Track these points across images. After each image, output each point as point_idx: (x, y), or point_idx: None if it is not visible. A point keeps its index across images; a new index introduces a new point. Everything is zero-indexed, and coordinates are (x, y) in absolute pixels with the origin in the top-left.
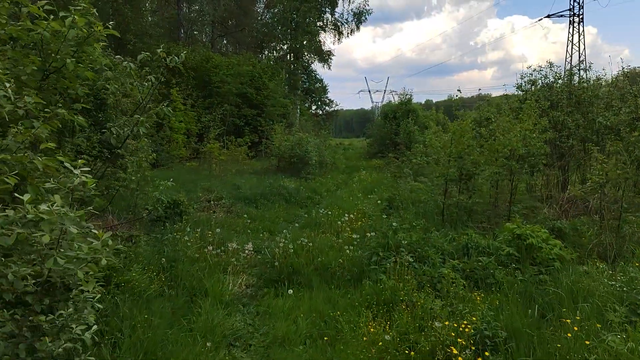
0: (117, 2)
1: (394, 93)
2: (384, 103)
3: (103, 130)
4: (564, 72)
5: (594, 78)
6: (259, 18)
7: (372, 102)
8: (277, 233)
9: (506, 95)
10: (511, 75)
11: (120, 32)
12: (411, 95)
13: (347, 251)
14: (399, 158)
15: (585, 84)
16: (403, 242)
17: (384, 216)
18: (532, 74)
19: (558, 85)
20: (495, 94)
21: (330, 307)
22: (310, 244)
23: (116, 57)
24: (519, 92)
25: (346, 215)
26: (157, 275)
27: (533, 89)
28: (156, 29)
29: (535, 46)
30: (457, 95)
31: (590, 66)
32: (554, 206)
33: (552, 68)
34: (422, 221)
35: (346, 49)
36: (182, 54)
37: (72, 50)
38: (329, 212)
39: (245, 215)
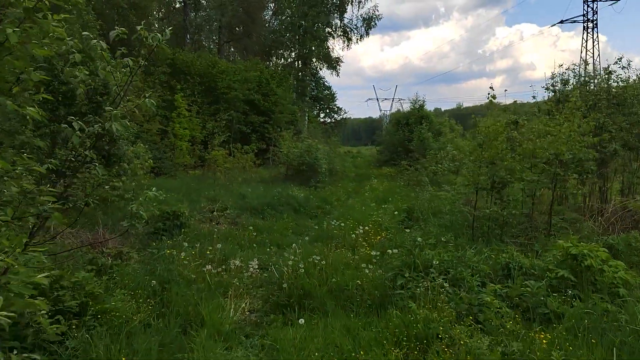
0: (123, 8)
1: (402, 101)
2: (392, 111)
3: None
4: (579, 74)
5: (634, 77)
6: (267, 25)
7: (380, 110)
8: (285, 247)
9: (536, 102)
10: (520, 83)
11: (125, 36)
12: (424, 101)
13: (366, 271)
14: (412, 165)
15: (621, 83)
16: (434, 261)
17: (405, 229)
18: (565, 73)
19: (592, 85)
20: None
21: (350, 341)
22: (324, 262)
23: (84, 33)
24: (549, 93)
25: (360, 227)
26: (145, 300)
27: (566, 88)
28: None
29: (544, 54)
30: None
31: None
32: (599, 219)
33: (587, 67)
34: (449, 235)
35: (354, 57)
36: (166, 31)
37: (17, 19)
38: (342, 224)
39: (251, 228)
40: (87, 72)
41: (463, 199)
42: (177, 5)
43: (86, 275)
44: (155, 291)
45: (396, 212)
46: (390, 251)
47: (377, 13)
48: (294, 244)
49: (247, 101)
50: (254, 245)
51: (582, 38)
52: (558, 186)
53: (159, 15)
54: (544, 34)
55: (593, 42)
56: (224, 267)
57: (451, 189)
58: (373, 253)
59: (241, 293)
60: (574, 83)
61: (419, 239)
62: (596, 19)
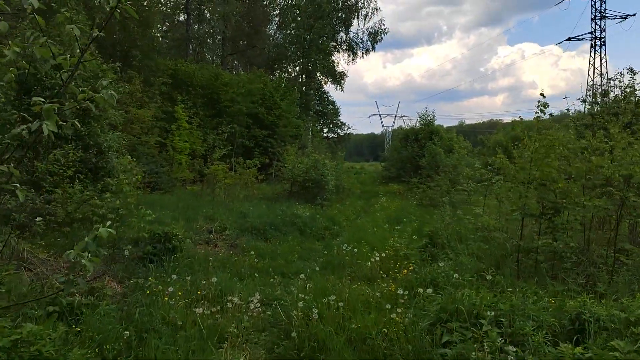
0: (124, 17)
1: (404, 118)
2: (394, 128)
3: None
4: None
5: None
6: (271, 39)
7: (383, 126)
8: (291, 275)
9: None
10: (522, 101)
11: (126, 47)
12: (433, 116)
13: (393, 315)
14: (423, 183)
15: None
16: (488, 312)
17: (429, 258)
18: (606, 84)
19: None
20: (506, 120)
21: None
22: (341, 303)
23: None
24: (583, 105)
25: (376, 254)
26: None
27: (607, 101)
28: (164, 44)
29: (546, 73)
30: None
31: None
32: None
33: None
34: (490, 271)
35: (357, 73)
36: None
37: None
38: (354, 249)
39: (252, 252)
40: (17, 50)
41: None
42: (181, 18)
43: (34, 329)
44: (130, 344)
45: (415, 236)
46: (421, 290)
47: (383, 27)
48: (301, 274)
49: (250, 114)
50: (256, 274)
51: (590, 55)
52: (626, 213)
53: (162, 27)
54: (545, 53)
55: (601, 60)
56: (220, 307)
57: (480, 212)
58: (400, 292)
59: (240, 342)
60: (618, 94)
61: (455, 275)
62: (604, 37)
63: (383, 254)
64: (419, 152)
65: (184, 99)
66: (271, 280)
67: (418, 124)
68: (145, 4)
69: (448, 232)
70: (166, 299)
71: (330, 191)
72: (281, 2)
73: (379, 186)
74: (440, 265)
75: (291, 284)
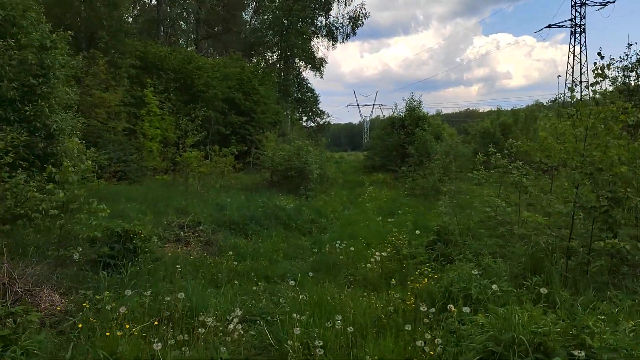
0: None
1: (382, 107)
2: (372, 117)
3: None
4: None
5: None
6: (247, 26)
7: (361, 116)
8: (277, 280)
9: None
10: (496, 91)
11: (92, 28)
12: (420, 102)
13: (420, 344)
14: (413, 172)
15: None
16: (556, 347)
17: (440, 259)
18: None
19: None
20: (482, 109)
21: None
22: (350, 328)
23: None
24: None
25: (376, 253)
26: None
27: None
28: (134, 28)
29: (520, 63)
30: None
31: None
32: None
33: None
34: (536, 278)
35: (335, 63)
36: None
37: None
38: (350, 247)
39: (231, 253)
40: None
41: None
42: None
43: None
44: None
45: (418, 231)
46: (452, 307)
47: (364, 11)
48: (291, 281)
49: (226, 100)
50: (235, 281)
51: (570, 43)
52: None
53: (132, 11)
54: (519, 43)
55: (580, 48)
56: (188, 333)
57: (500, 202)
58: (423, 309)
59: None
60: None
61: (493, 286)
62: (584, 24)
63: (384, 253)
64: (405, 139)
65: (154, 83)
66: (254, 288)
67: (402, 111)
68: None
69: (460, 226)
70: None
71: (315, 181)
72: None
73: (363, 176)
74: (474, 272)
75: (279, 292)
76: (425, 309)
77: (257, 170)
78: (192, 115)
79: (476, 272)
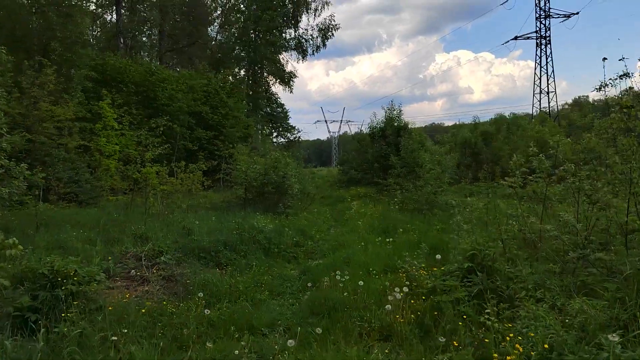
0: (40, 3)
1: (350, 123)
2: (340, 133)
3: None
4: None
5: None
6: (213, 42)
7: (329, 132)
8: (264, 331)
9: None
10: (459, 106)
11: (45, 39)
12: (400, 110)
13: None
14: (400, 184)
15: None
16: None
17: (479, 293)
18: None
19: None
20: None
21: None
22: None
23: None
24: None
25: (394, 288)
26: None
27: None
28: (90, 37)
29: (480, 79)
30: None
31: None
32: None
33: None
34: None
35: (301, 81)
36: None
37: None
38: (356, 280)
39: (201, 294)
40: None
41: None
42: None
43: None
44: None
45: (438, 256)
46: None
47: (333, 23)
48: (289, 341)
49: (192, 113)
50: (207, 342)
51: (536, 54)
52: None
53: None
54: (479, 59)
55: (547, 59)
56: None
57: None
58: None
59: None
60: None
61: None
62: (549, 36)
63: (405, 288)
64: (387, 150)
65: (113, 96)
66: (235, 352)
67: (381, 121)
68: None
69: (505, 249)
70: None
71: (295, 197)
72: (223, 0)
73: (340, 190)
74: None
75: (270, 354)
76: None
77: (229, 187)
78: (153, 126)
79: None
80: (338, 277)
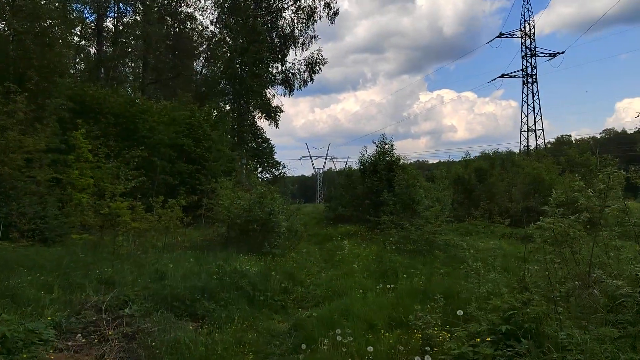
0: (18, 31)
1: (335, 160)
2: (325, 170)
3: None
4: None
5: None
6: (198, 76)
7: (314, 168)
8: None
9: None
10: (443, 144)
11: (21, 67)
12: (392, 144)
13: None
14: (395, 222)
15: None
16: None
17: None
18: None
19: None
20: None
21: None
22: None
23: None
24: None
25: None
26: None
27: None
28: (71, 67)
29: (463, 117)
30: None
31: None
32: None
33: None
34: None
35: (286, 117)
36: None
37: None
38: (356, 342)
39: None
40: None
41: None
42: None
43: None
44: None
45: (460, 312)
46: None
47: (321, 57)
48: None
49: (174, 146)
50: None
51: (522, 92)
52: None
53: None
54: (462, 98)
55: (533, 97)
56: None
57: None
58: None
59: None
60: None
61: None
62: (535, 74)
63: (427, 357)
64: (379, 185)
65: (91, 127)
66: None
67: (372, 156)
68: (45, 24)
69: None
70: None
71: (282, 235)
72: (209, 35)
73: (328, 228)
74: None
75: None
76: None
77: (210, 224)
78: (127, 156)
79: None
80: (339, 338)
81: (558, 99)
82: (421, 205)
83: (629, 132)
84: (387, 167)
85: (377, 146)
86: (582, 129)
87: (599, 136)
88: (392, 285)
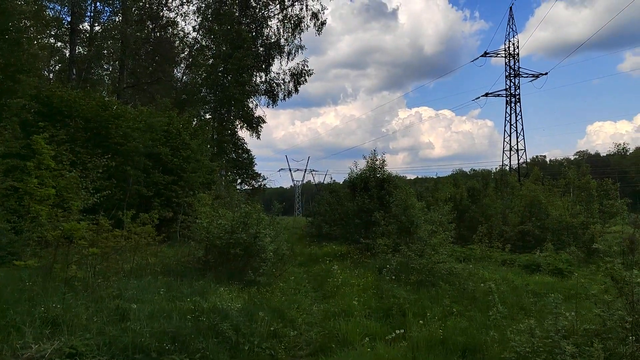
0: None
1: (314, 172)
2: (304, 182)
3: None
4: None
5: None
6: (179, 83)
7: (293, 180)
8: None
9: None
10: (420, 160)
11: None
12: (384, 160)
13: None
14: (390, 246)
15: None
16: None
17: None
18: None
19: None
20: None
21: None
22: None
23: None
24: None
25: None
26: None
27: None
28: (38, 65)
29: (440, 135)
30: None
31: None
32: None
33: None
34: None
35: (266, 128)
36: None
37: None
38: None
39: None
40: None
41: None
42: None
43: None
44: None
45: None
46: None
47: (307, 68)
48: None
49: (150, 155)
50: None
51: (505, 112)
52: None
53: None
54: (439, 116)
55: (516, 116)
56: None
57: None
58: None
59: None
60: None
61: None
62: (519, 94)
63: None
64: (370, 204)
65: (57, 131)
66: None
67: (361, 171)
68: (10, 25)
69: None
70: None
71: (268, 261)
72: (191, 42)
73: (312, 246)
74: None
75: None
76: None
77: (185, 242)
78: (90, 165)
79: None
80: None
81: (531, 120)
82: (420, 229)
83: (601, 155)
84: (379, 184)
85: (368, 161)
86: (552, 150)
87: (572, 157)
88: (402, 331)
